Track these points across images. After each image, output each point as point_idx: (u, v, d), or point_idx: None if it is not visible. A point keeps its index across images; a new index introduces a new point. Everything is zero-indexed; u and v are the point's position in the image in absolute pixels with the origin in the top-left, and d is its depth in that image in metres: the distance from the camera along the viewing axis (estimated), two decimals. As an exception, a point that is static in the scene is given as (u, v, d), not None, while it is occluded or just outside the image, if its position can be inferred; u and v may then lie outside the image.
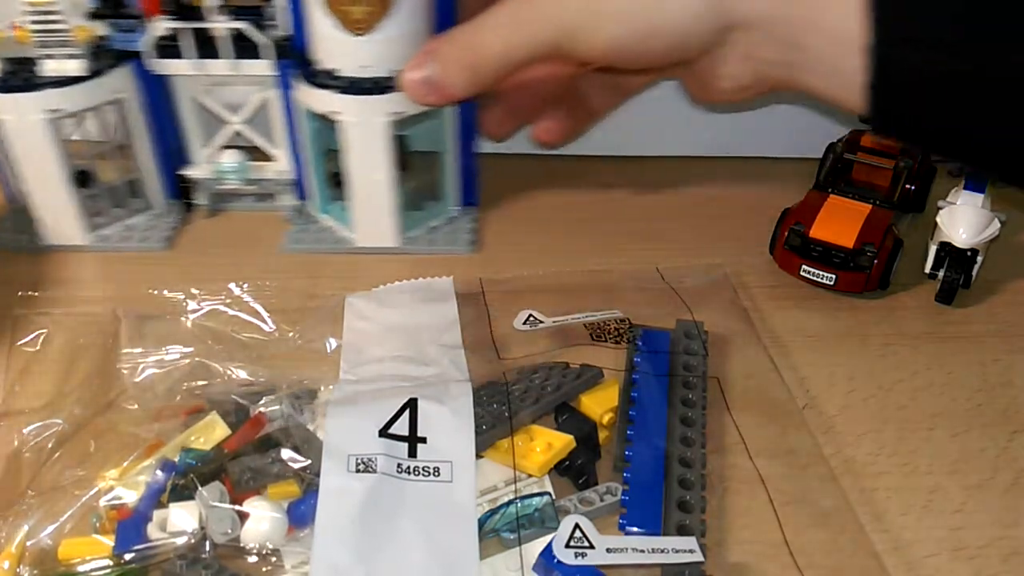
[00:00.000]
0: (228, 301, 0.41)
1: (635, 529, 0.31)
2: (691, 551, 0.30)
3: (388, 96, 0.44)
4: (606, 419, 0.35)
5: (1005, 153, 0.32)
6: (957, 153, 0.34)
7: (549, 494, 0.32)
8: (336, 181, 0.48)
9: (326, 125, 0.46)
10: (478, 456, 0.34)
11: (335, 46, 0.43)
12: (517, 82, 0.45)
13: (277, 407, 0.35)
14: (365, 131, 0.44)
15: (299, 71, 0.45)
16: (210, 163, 0.50)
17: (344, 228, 0.49)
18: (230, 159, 0.50)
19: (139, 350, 0.38)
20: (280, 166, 0.51)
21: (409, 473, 0.32)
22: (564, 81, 0.46)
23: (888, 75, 0.31)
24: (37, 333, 0.39)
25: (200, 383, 0.37)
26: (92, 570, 0.30)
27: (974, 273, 0.44)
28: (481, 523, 0.31)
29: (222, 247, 0.49)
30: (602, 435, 0.35)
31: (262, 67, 0.46)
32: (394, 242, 0.49)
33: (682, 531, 0.31)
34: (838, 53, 0.32)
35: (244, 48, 0.45)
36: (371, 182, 0.46)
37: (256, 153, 0.51)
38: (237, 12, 0.45)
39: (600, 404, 0.36)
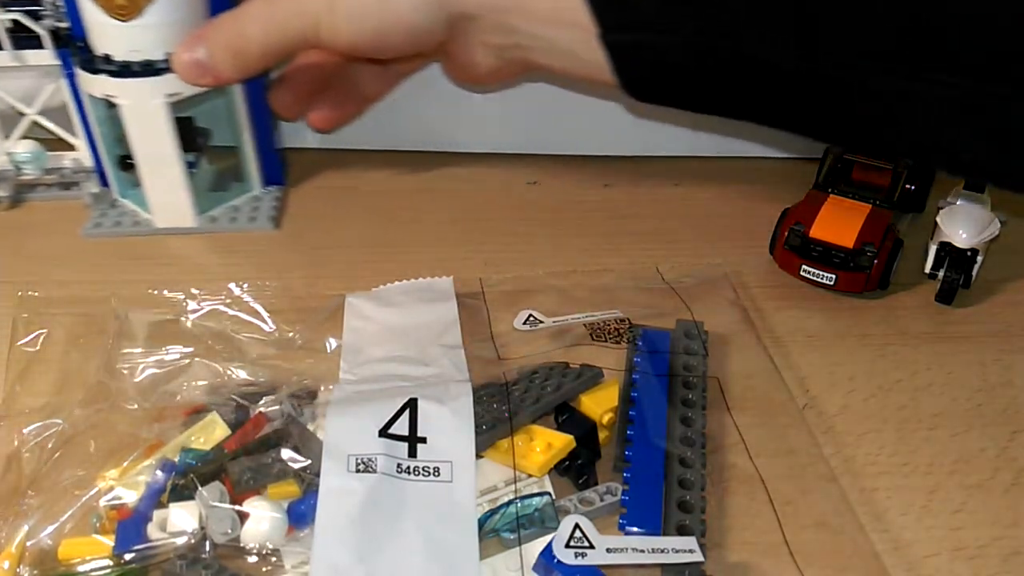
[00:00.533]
0: (228, 301, 0.41)
1: (635, 529, 0.31)
2: (691, 551, 0.30)
3: (162, 78, 0.45)
4: (606, 419, 0.35)
5: (738, 112, 0.35)
6: (712, 112, 0.36)
7: (549, 494, 0.32)
8: (127, 165, 0.50)
9: (113, 111, 0.47)
10: (478, 456, 0.33)
11: (106, 32, 0.45)
12: (296, 66, 0.46)
13: (277, 407, 0.35)
14: (143, 113, 0.46)
15: (78, 58, 0.46)
16: (7, 154, 0.52)
17: (143, 211, 0.51)
18: (24, 149, 0.51)
19: (139, 350, 0.38)
20: (79, 154, 0.52)
21: (409, 473, 0.32)
22: (334, 67, 0.47)
23: (625, 58, 0.33)
24: (37, 333, 0.39)
25: (200, 383, 0.37)
26: (92, 570, 0.30)
27: (974, 273, 0.44)
28: (481, 523, 0.31)
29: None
30: (602, 435, 0.35)
31: (44, 56, 0.48)
32: (193, 222, 0.50)
33: (682, 531, 0.31)
34: (566, 37, 0.34)
35: (27, 39, 0.48)
36: (158, 163, 0.48)
37: (60, 143, 0.52)
38: (10, 2, 0.47)
39: (600, 404, 0.36)
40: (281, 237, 0.50)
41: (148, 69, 0.45)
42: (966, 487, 0.34)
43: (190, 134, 0.50)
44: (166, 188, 0.49)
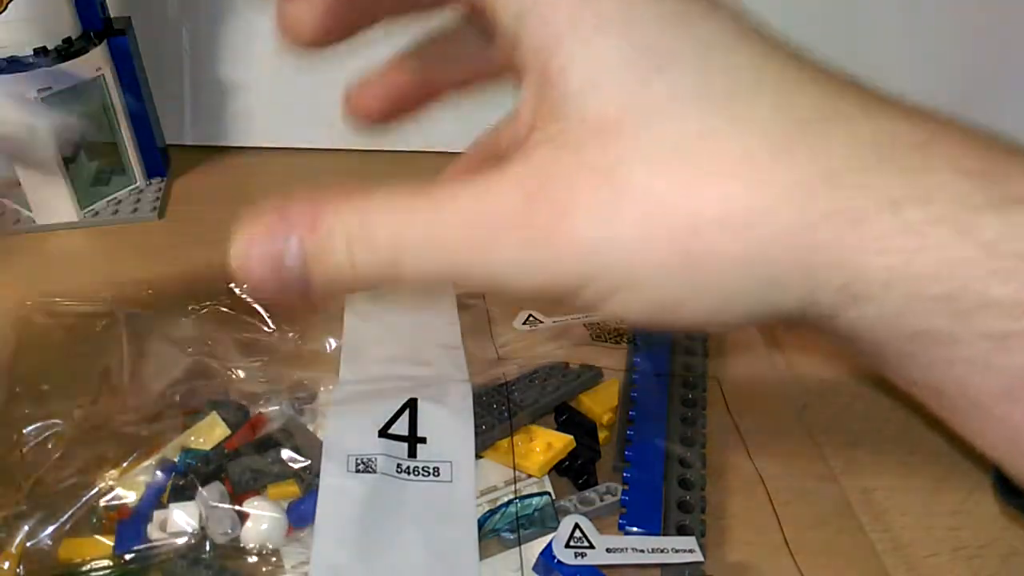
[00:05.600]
0: (228, 301, 0.41)
1: (635, 529, 0.31)
2: (691, 551, 0.30)
3: (30, 73, 0.45)
4: (606, 419, 0.35)
5: None
6: None
7: (549, 494, 0.32)
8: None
9: None
10: (478, 456, 0.33)
11: None
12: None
13: (277, 407, 0.35)
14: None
15: None
16: None
17: (24, 208, 0.51)
18: None
19: (139, 350, 0.38)
20: None
21: (409, 473, 0.32)
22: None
23: None
24: (37, 334, 0.39)
25: (200, 383, 0.37)
26: (92, 570, 0.29)
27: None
28: (481, 523, 0.31)
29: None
30: (602, 435, 0.35)
31: None
32: (75, 216, 0.51)
33: (682, 531, 0.31)
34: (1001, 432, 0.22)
35: None
36: (34, 160, 0.48)
37: None
38: None
39: (600, 404, 0.36)
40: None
41: (16, 65, 0.45)
42: (966, 487, 0.34)
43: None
44: (45, 184, 0.49)
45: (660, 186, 0.21)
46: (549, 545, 0.30)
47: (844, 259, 0.20)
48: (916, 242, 0.20)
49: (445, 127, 0.58)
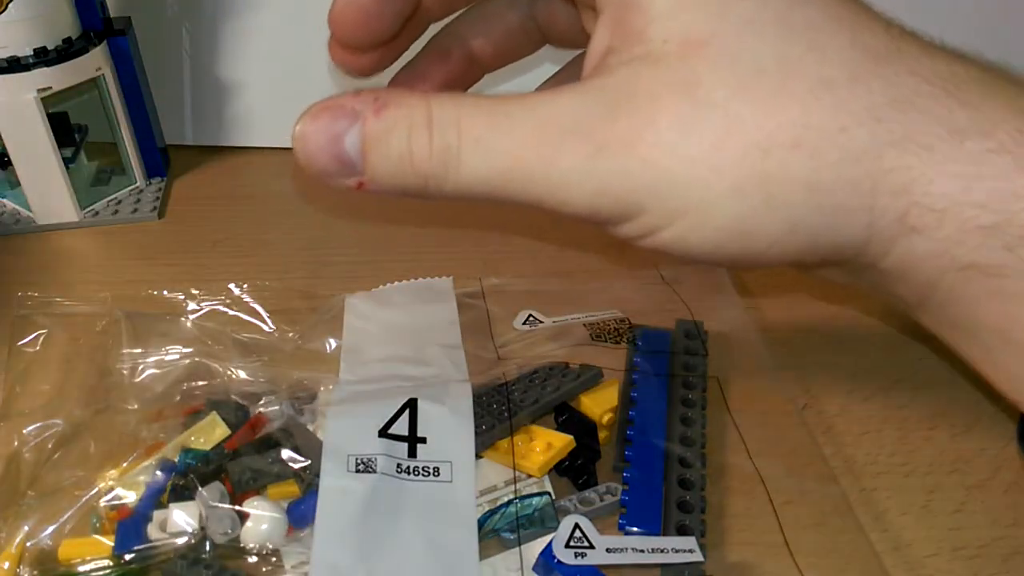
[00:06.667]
0: (228, 301, 0.41)
1: (635, 529, 0.31)
2: (691, 551, 0.30)
3: (31, 73, 0.45)
4: (606, 419, 0.35)
5: None
6: None
7: (549, 494, 0.32)
8: (4, 163, 0.50)
9: None
10: (478, 456, 0.34)
11: None
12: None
13: (277, 407, 0.35)
14: (15, 110, 0.46)
15: None
16: None
17: (24, 209, 0.51)
18: None
19: (139, 350, 0.38)
20: None
21: (409, 473, 0.32)
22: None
23: None
24: (37, 333, 0.39)
25: (200, 383, 0.37)
26: (92, 570, 0.29)
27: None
28: (481, 523, 0.31)
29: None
30: (602, 435, 0.35)
31: None
32: (75, 216, 0.51)
33: (682, 531, 0.31)
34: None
35: None
36: (35, 160, 0.48)
37: None
38: None
39: (600, 404, 0.36)
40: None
41: (16, 65, 0.45)
42: (966, 487, 0.34)
43: (66, 129, 0.50)
44: (46, 184, 0.49)
45: (738, 106, 0.21)
46: (549, 545, 0.30)
47: (907, 183, 0.21)
48: (975, 170, 0.21)
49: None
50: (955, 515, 0.33)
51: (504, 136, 0.22)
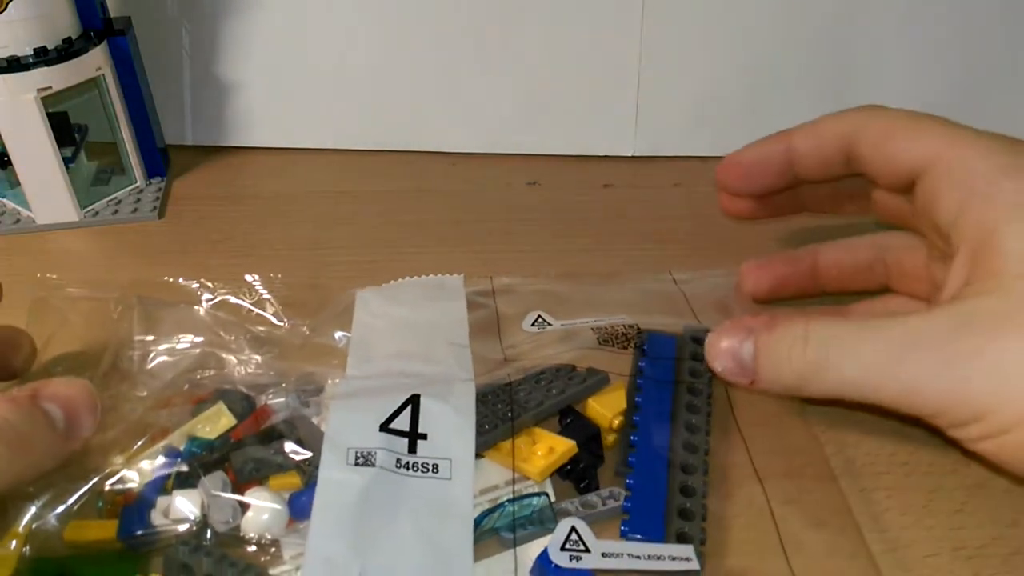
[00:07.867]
0: (241, 292, 0.41)
1: (638, 536, 0.31)
2: (687, 559, 0.30)
3: (31, 73, 0.45)
4: (616, 423, 0.35)
5: None
6: None
7: (547, 494, 0.32)
8: (4, 163, 0.50)
9: None
10: (479, 455, 0.34)
11: None
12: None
13: (283, 399, 0.35)
14: (15, 110, 0.46)
15: None
16: None
17: (24, 208, 0.51)
18: None
19: (151, 338, 0.38)
20: None
21: (408, 469, 0.32)
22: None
23: None
24: (50, 319, 0.40)
25: (209, 373, 0.37)
26: (96, 552, 0.30)
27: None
28: (478, 522, 0.31)
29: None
30: (610, 439, 0.35)
31: None
32: (75, 216, 0.51)
33: (682, 539, 0.31)
34: None
35: None
36: (35, 160, 0.48)
37: None
38: None
39: (607, 408, 0.36)
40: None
41: (16, 65, 0.45)
42: (966, 487, 0.34)
43: (66, 129, 0.50)
44: (46, 183, 0.49)
45: None
46: (545, 551, 0.30)
47: None
48: None
49: (445, 127, 0.58)
50: (955, 515, 0.33)
51: (862, 352, 0.28)
